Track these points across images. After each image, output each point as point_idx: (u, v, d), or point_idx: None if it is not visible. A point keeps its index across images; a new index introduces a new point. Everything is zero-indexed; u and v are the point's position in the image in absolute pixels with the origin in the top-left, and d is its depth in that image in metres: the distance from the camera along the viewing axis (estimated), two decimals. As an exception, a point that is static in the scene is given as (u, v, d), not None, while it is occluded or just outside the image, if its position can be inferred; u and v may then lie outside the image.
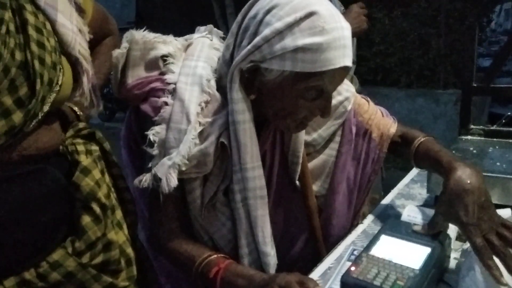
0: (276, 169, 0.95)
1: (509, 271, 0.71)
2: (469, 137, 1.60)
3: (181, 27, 1.22)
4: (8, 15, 0.64)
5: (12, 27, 0.64)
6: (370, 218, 1.12)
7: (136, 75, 0.89)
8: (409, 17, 5.27)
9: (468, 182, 0.80)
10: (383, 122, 1.06)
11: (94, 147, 0.81)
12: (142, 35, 0.90)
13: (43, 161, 0.71)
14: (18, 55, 0.64)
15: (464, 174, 0.81)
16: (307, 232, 1.02)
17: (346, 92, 1.00)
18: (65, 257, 0.72)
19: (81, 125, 0.83)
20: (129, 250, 0.83)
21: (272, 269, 0.89)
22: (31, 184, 0.69)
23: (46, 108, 0.67)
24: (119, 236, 0.81)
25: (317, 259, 0.98)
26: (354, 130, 1.03)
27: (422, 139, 1.00)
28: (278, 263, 0.91)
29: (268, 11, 0.77)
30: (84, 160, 0.77)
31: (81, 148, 0.78)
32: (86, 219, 0.74)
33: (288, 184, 0.99)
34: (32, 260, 0.70)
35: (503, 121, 1.66)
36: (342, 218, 1.04)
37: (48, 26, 0.70)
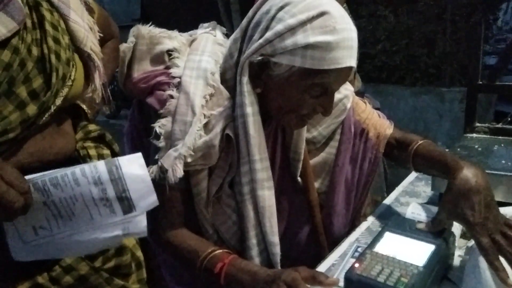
0: (277, 165, 0.96)
1: None
2: (474, 135, 1.59)
3: (186, 24, 1.23)
4: (25, 11, 0.65)
5: (29, 23, 0.65)
6: (374, 215, 1.12)
7: (142, 69, 0.90)
8: (415, 14, 5.24)
9: (475, 181, 0.80)
10: (380, 122, 1.07)
11: (106, 151, 0.81)
12: (148, 30, 0.91)
13: (58, 167, 0.72)
14: (35, 50, 0.65)
15: (470, 173, 0.81)
16: (309, 228, 1.02)
17: (345, 90, 1.02)
18: (77, 261, 0.73)
19: (91, 126, 0.83)
20: (139, 253, 0.84)
21: (278, 259, 0.90)
22: None
23: (58, 101, 0.68)
24: (129, 239, 0.82)
25: (320, 255, 0.98)
26: (353, 129, 1.04)
27: (420, 141, 1.00)
28: (281, 259, 0.91)
29: (281, 8, 0.79)
30: None
31: (93, 152, 0.79)
32: None
33: (289, 181, 0.99)
34: (46, 264, 0.70)
35: (509, 119, 1.65)
36: (341, 217, 1.05)
37: (62, 24, 0.71)
